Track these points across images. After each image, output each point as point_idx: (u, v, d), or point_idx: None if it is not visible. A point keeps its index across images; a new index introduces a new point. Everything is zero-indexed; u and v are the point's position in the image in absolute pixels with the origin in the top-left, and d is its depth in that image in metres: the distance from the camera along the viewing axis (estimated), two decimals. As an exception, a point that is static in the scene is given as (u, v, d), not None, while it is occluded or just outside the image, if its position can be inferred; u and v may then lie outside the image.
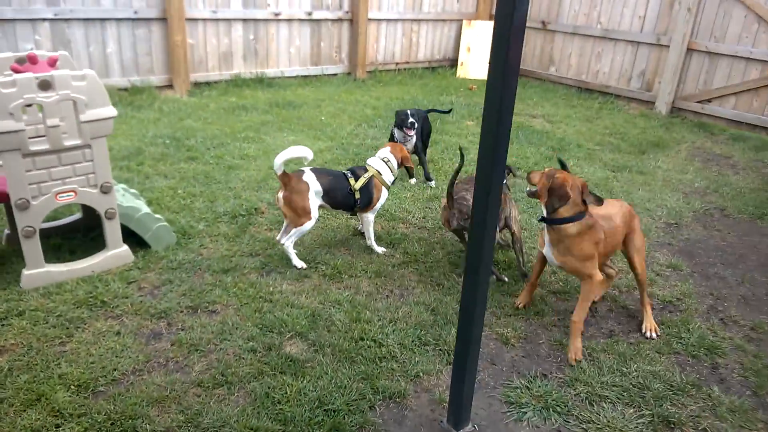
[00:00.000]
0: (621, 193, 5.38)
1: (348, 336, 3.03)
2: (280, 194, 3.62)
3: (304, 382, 2.68)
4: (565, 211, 2.90)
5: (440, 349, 3.02)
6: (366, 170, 3.89)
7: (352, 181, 3.79)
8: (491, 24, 10.22)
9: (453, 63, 10.55)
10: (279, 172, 3.56)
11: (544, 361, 3.02)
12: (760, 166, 6.64)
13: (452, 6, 10.25)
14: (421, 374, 2.82)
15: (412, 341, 3.04)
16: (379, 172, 3.91)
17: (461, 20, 10.32)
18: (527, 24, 10.11)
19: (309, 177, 3.68)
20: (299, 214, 3.61)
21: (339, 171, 3.89)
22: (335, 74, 9.15)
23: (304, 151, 3.63)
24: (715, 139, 7.61)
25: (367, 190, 3.82)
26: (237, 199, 4.56)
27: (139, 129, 6.00)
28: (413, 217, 4.51)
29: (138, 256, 3.63)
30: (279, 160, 3.51)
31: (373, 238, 3.97)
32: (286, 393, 2.60)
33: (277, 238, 3.82)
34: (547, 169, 3.02)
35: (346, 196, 3.77)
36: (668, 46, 8.41)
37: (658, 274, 3.96)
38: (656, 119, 8.22)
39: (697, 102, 8.32)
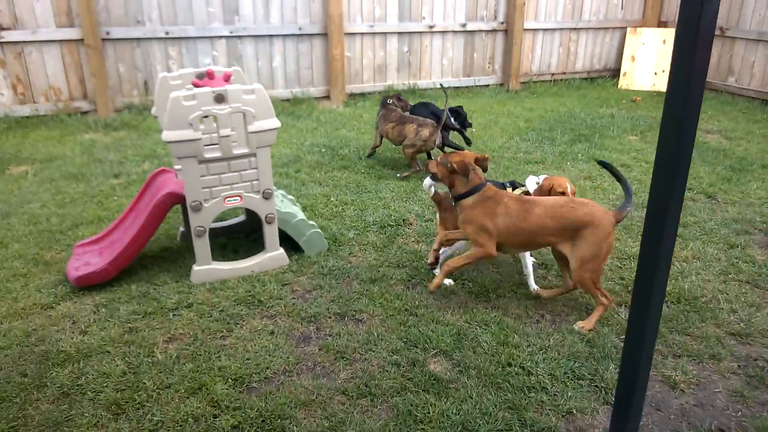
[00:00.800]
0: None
1: (494, 360, 2.89)
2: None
3: (448, 403, 2.59)
4: (461, 188, 3.24)
5: (596, 386, 2.76)
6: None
7: None
8: (659, 31, 9.42)
9: (615, 73, 9.88)
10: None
11: (721, 413, 2.63)
12: None
13: (616, 12, 9.61)
14: (574, 411, 2.60)
15: (564, 373, 2.82)
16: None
17: (625, 27, 9.64)
18: (703, 29, 9.12)
19: None
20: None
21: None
22: (487, 85, 9.01)
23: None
24: None
25: None
26: (386, 209, 4.62)
27: (298, 137, 6.36)
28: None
29: (292, 260, 3.80)
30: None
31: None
32: (429, 413, 2.53)
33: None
34: (439, 157, 3.35)
35: None
36: None
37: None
38: None
39: None
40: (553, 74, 9.53)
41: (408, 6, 8.02)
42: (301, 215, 3.88)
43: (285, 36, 7.40)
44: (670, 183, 1.79)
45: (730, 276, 3.77)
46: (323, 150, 5.95)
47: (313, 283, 3.58)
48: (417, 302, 3.39)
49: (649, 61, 9.44)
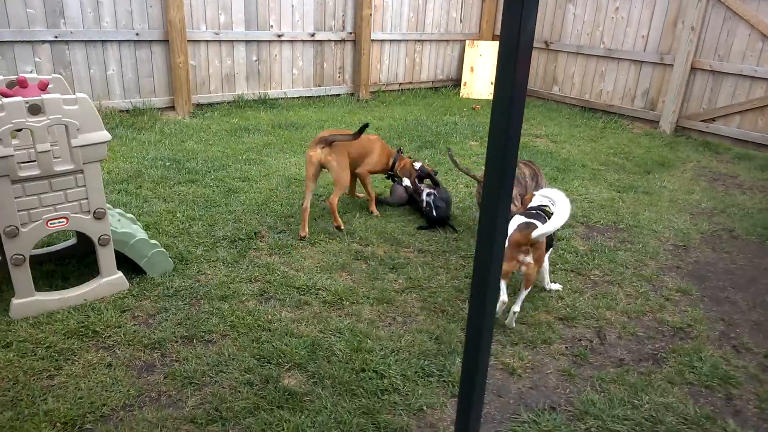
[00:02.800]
0: (628, 214, 5.28)
1: (349, 367, 2.92)
2: (528, 258, 3.28)
3: (302, 417, 2.56)
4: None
5: (444, 381, 2.90)
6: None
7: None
8: (494, 44, 10.23)
9: (456, 83, 10.54)
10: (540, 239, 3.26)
11: (553, 392, 2.90)
12: (765, 186, 6.53)
13: (455, 27, 10.26)
14: (425, 408, 2.71)
15: (416, 372, 2.93)
16: None
17: (464, 40, 10.33)
18: (530, 44, 10.09)
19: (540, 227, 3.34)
20: (538, 271, 3.42)
21: (535, 211, 3.60)
22: (338, 95, 9.13)
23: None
24: (720, 158, 7.52)
25: None
26: (237, 223, 4.48)
27: (139, 151, 5.95)
28: (417, 241, 4.42)
29: (133, 284, 3.54)
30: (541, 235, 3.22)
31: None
32: (283, 430, 2.49)
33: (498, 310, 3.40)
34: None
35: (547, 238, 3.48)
36: (672, 65, 8.37)
37: (667, 299, 3.84)
38: (660, 138, 8.16)
39: (702, 121, 8.25)
40: (400, 84, 9.92)
41: (255, 14, 7.88)
42: (141, 234, 3.63)
43: (120, 42, 6.89)
44: (499, 183, 1.94)
45: (557, 266, 4.18)
46: (168, 163, 5.62)
47: (157, 307, 3.35)
48: (270, 316, 3.33)
49: (486, 72, 10.20)
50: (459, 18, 10.25)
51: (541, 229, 3.19)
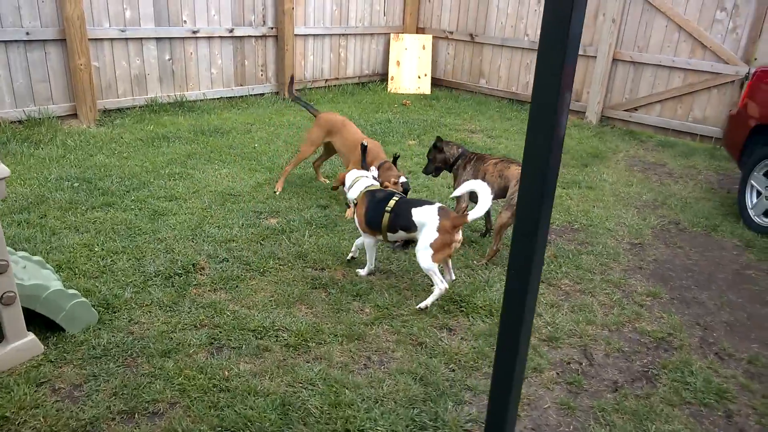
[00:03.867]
0: (579, 212, 5.19)
1: (329, 428, 2.52)
2: (458, 235, 3.50)
3: (287, 505, 2.14)
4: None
5: (440, 433, 2.57)
6: (380, 189, 3.94)
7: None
8: (419, 37, 9.97)
9: (383, 77, 10.20)
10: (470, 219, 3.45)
11: (557, 431, 2.65)
12: (694, 173, 6.73)
13: (379, 19, 9.90)
14: (425, 471, 2.36)
15: (407, 426, 2.57)
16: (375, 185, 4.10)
17: (389, 34, 9.99)
18: (456, 37, 10.00)
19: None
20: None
21: (398, 199, 3.73)
22: (262, 94, 8.52)
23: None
24: (646, 147, 7.71)
25: None
26: (169, 254, 3.90)
27: (39, 170, 5.14)
28: (377, 260, 4.05)
29: (49, 345, 2.92)
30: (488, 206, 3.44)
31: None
32: None
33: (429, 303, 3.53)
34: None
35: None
36: (594, 57, 8.48)
37: (641, 305, 3.73)
38: (588, 129, 8.25)
39: (625, 110, 8.44)
40: (326, 80, 9.44)
41: (165, 8, 7.11)
42: (55, 283, 3.01)
43: (7, 42, 5.95)
44: (539, 204, 1.60)
45: (526, 279, 3.95)
46: (76, 184, 4.88)
47: (83, 374, 2.77)
48: (226, 371, 2.84)
49: (412, 66, 9.93)
50: (383, 11, 9.89)
51: (476, 213, 3.35)
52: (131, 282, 3.54)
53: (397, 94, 9.73)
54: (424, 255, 3.43)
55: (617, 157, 7.18)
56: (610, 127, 8.46)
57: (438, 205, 3.53)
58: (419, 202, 3.61)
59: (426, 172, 4.58)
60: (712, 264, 4.43)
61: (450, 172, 4.47)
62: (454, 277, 3.71)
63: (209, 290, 3.55)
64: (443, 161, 4.43)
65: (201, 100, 7.73)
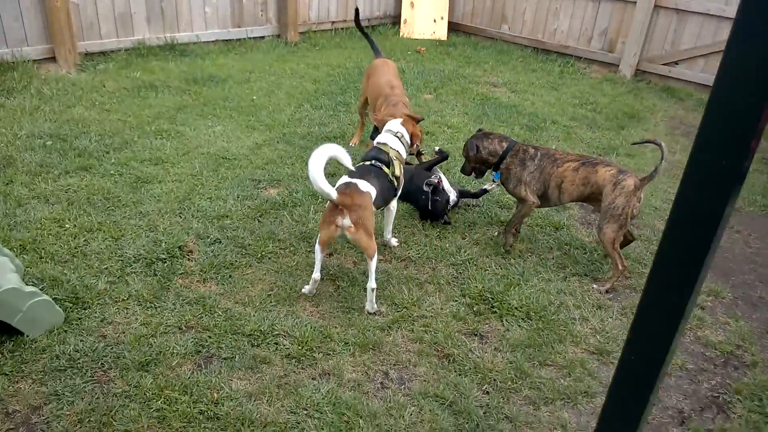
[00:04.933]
0: (619, 186, 4.59)
1: (341, 478, 2.04)
2: (346, 220, 2.76)
3: None
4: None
5: (476, 484, 2.09)
6: (386, 152, 3.22)
7: (386, 169, 3.13)
8: (436, -25, 9.05)
9: (395, 20, 9.34)
10: (334, 195, 2.71)
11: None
12: (742, 138, 6.07)
13: (392, -46, 8.96)
14: None
15: (436, 476, 2.09)
16: (398, 152, 3.31)
17: (402, -30, 9.07)
18: (475, -24, 9.09)
19: (366, 186, 2.91)
20: (371, 235, 2.85)
21: (368, 165, 3.11)
22: (262, 37, 7.74)
23: (338, 152, 2.78)
24: (685, 106, 7.01)
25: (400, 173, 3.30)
26: (153, 232, 3.35)
27: (9, 124, 4.52)
28: (400, 249, 3.50)
29: (4, 352, 2.42)
30: (320, 178, 2.62)
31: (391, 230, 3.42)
32: None
33: (307, 290, 2.99)
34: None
35: (389, 190, 3.16)
36: (634, 3, 7.62)
37: (702, 308, 3.20)
38: (622, 84, 7.51)
39: (664, 64, 7.65)
40: (333, 22, 8.61)
41: (151, -64, 6.28)
42: (11, 279, 2.47)
43: (-29, -27, 5.21)
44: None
45: (568, 270, 3.41)
46: (50, 142, 4.28)
47: (43, 392, 2.28)
48: (216, 392, 2.35)
49: (428, 7, 9.06)
50: (396, -56, 8.94)
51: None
52: (106, 269, 3.01)
53: (410, 39, 8.91)
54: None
55: (655, 117, 6.50)
56: (645, 82, 7.70)
57: (350, 180, 2.86)
58: (357, 172, 2.98)
59: (463, 171, 3.69)
60: (774, 252, 3.88)
61: (494, 170, 3.51)
62: (373, 286, 2.83)
63: (198, 280, 3.02)
64: (482, 162, 3.53)
65: (194, 43, 6.97)
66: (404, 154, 3.37)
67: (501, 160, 3.43)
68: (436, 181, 3.69)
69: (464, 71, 7.42)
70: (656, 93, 7.37)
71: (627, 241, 3.42)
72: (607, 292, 3.24)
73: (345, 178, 2.94)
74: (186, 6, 6.83)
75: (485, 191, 3.99)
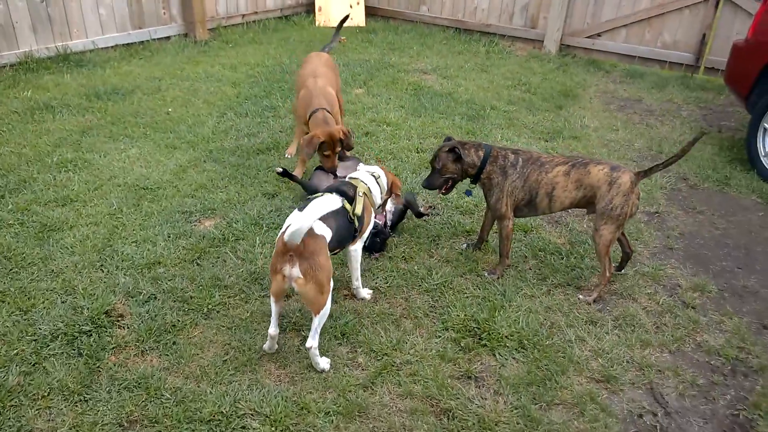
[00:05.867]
0: (575, 174, 4.41)
1: None
2: (294, 270, 2.28)
3: None
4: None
5: None
6: (352, 185, 2.78)
7: (347, 205, 2.66)
8: (350, -42, 8.55)
9: (309, 8, 8.80)
10: (297, 241, 2.24)
11: None
12: (674, 108, 6.11)
13: (300, -63, 8.38)
14: None
15: None
16: (369, 189, 2.86)
17: (313, -46, 8.51)
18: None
19: (321, 227, 2.43)
20: (323, 289, 2.34)
21: (325, 196, 2.65)
22: (168, 37, 6.99)
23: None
24: (613, 78, 7.01)
25: (362, 214, 2.75)
26: (70, 297, 2.78)
27: None
28: (363, 278, 3.10)
29: None
30: (306, 227, 2.23)
31: (359, 278, 2.87)
32: None
33: (267, 347, 2.55)
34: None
35: (348, 229, 2.65)
36: (553, -24, 7.51)
37: (692, 307, 3.04)
38: (548, 60, 7.41)
39: (587, 37, 7.62)
40: (243, 15, 7.95)
41: (23, -69, 5.41)
42: None
43: None
44: None
45: (548, 281, 3.16)
46: (-76, 192, 3.53)
47: None
48: None
49: (343, -7, 8.57)
50: (303, -74, 8.36)
51: (293, 227, 2.19)
52: (17, 354, 2.43)
53: (327, 27, 8.40)
54: None
55: (588, 93, 6.43)
56: (571, 56, 7.64)
57: (300, 215, 2.26)
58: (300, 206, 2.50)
59: (430, 186, 3.17)
60: (742, 232, 3.81)
61: (473, 183, 3.15)
62: (311, 345, 2.38)
63: (135, 354, 2.51)
64: (460, 172, 3.09)
65: (90, 51, 6.16)
66: (377, 199, 2.91)
67: (481, 170, 3.05)
68: (381, 224, 3.28)
69: (390, 59, 7.05)
70: (583, 67, 7.32)
71: (626, 256, 3.19)
72: (594, 302, 3.01)
73: (296, 216, 2.45)
74: (76, 9, 5.99)
75: (422, 216, 3.57)
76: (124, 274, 2.95)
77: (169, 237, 3.27)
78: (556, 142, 4.99)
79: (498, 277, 3.13)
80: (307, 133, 3.68)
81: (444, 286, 3.04)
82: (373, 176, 2.95)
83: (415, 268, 3.18)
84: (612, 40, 7.48)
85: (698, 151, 4.97)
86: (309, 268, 2.27)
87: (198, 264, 3.09)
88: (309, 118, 3.68)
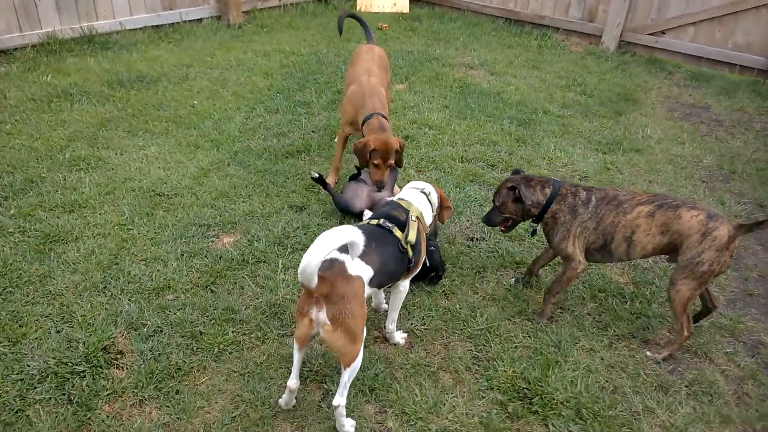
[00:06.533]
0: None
1: None
2: (322, 314, 1.95)
3: None
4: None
5: None
6: (402, 208, 2.41)
7: (398, 233, 2.29)
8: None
9: (350, -8, 8.34)
10: (314, 283, 1.89)
11: None
12: (746, 119, 5.50)
13: None
14: None
15: None
16: (421, 213, 2.49)
17: (356, -66, 8.03)
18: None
19: (357, 267, 2.07)
20: (355, 338, 2.00)
21: (373, 226, 2.29)
22: (200, 20, 6.65)
23: (352, 235, 1.90)
24: (677, 81, 6.39)
25: (417, 241, 2.37)
26: (67, 325, 2.47)
27: None
28: (384, 312, 2.72)
29: None
30: (313, 264, 1.81)
31: (396, 319, 2.49)
32: None
33: (283, 402, 2.19)
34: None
35: (399, 260, 2.29)
36: (617, -35, 6.88)
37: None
38: (606, 59, 6.81)
39: (650, 34, 6.98)
40: (281, -2, 7.56)
41: None
42: None
43: None
44: None
45: (610, 331, 2.72)
46: (-74, 189, 3.27)
47: None
48: None
49: (387, -24, 8.09)
50: None
51: (302, 264, 1.81)
52: (2, 398, 2.13)
53: (369, 12, 7.95)
54: None
55: (650, 98, 5.85)
56: (630, 54, 7.02)
57: (337, 256, 2.02)
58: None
59: (489, 223, 2.80)
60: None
61: (535, 222, 2.73)
62: (339, 403, 2.03)
63: (132, 404, 2.18)
64: (521, 213, 2.69)
65: (117, 33, 5.86)
66: (428, 220, 2.54)
67: (545, 209, 2.62)
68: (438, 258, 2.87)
69: (435, 51, 6.57)
70: (643, 67, 6.71)
71: (707, 310, 2.73)
72: (664, 360, 2.56)
73: (332, 251, 2.07)
74: (104, -12, 5.69)
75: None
76: (129, 300, 2.63)
77: (183, 255, 2.94)
78: (616, 155, 4.49)
79: (547, 319, 2.71)
80: (353, 136, 3.42)
81: (489, 332, 2.63)
82: (424, 193, 2.56)
83: (457, 306, 2.78)
84: (678, 39, 6.83)
85: (764, 161, 4.41)
86: (339, 314, 1.94)
87: (212, 290, 2.74)
88: (363, 124, 3.30)
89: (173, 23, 6.35)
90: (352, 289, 1.99)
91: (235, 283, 2.80)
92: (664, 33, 6.92)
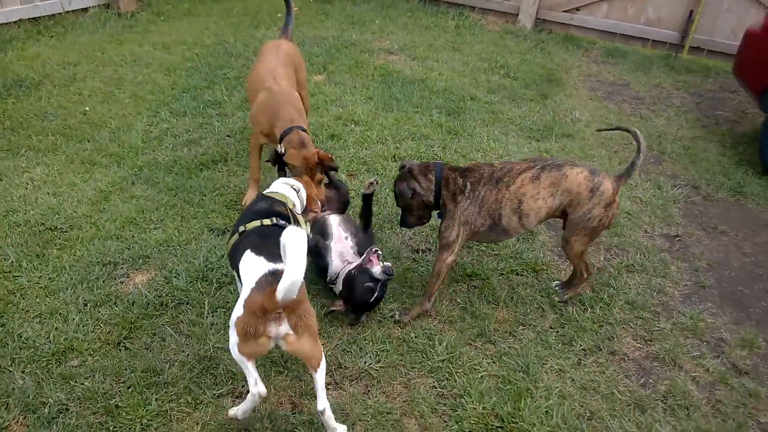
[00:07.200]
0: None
1: None
2: (283, 327, 1.84)
3: None
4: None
5: None
6: (279, 202, 2.32)
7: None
8: None
9: (254, -27, 7.72)
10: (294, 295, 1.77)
11: None
12: (664, 95, 5.59)
13: None
14: None
15: None
16: (293, 202, 2.42)
17: None
18: None
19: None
20: (317, 337, 1.96)
21: (272, 226, 2.14)
22: (85, 9, 5.87)
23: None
24: (594, 58, 6.42)
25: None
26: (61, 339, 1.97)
27: None
28: (337, 347, 2.41)
29: None
30: (300, 278, 1.71)
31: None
32: None
33: (239, 413, 1.96)
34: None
35: None
36: (529, -59, 6.76)
37: (745, 372, 2.51)
38: (524, 37, 6.72)
39: (565, 11, 6.96)
40: (177, -19, 6.85)
41: None
42: None
43: None
44: None
45: (576, 346, 2.55)
46: None
47: None
48: None
49: (292, -44, 7.55)
50: None
51: (284, 282, 1.70)
52: None
53: (277, -4, 7.40)
54: (230, 337, 1.88)
55: (572, 77, 5.82)
56: (547, 32, 6.97)
57: (268, 267, 1.89)
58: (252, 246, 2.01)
59: (408, 225, 2.71)
60: (771, 260, 3.32)
61: (436, 210, 2.61)
62: (324, 405, 1.94)
63: None
64: (424, 205, 2.58)
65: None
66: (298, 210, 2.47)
67: (438, 195, 2.52)
68: (379, 269, 2.53)
69: (351, 36, 6.19)
70: (560, 45, 6.68)
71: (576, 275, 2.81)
72: (570, 299, 2.77)
73: (262, 263, 1.91)
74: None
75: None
76: (23, 373, 2.15)
77: (86, 306, 2.47)
78: (549, 142, 4.37)
79: (409, 321, 2.56)
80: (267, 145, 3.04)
81: (451, 362, 2.39)
82: (294, 189, 2.48)
83: (412, 335, 2.51)
84: (592, 15, 6.86)
85: (703, 151, 4.46)
86: (299, 320, 1.86)
87: (126, 347, 2.31)
88: (281, 140, 2.91)
89: (54, 14, 5.55)
90: (302, 289, 1.87)
91: (154, 334, 2.38)
92: (578, 10, 6.92)
